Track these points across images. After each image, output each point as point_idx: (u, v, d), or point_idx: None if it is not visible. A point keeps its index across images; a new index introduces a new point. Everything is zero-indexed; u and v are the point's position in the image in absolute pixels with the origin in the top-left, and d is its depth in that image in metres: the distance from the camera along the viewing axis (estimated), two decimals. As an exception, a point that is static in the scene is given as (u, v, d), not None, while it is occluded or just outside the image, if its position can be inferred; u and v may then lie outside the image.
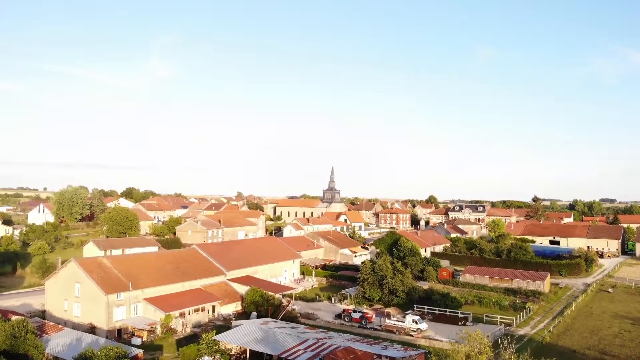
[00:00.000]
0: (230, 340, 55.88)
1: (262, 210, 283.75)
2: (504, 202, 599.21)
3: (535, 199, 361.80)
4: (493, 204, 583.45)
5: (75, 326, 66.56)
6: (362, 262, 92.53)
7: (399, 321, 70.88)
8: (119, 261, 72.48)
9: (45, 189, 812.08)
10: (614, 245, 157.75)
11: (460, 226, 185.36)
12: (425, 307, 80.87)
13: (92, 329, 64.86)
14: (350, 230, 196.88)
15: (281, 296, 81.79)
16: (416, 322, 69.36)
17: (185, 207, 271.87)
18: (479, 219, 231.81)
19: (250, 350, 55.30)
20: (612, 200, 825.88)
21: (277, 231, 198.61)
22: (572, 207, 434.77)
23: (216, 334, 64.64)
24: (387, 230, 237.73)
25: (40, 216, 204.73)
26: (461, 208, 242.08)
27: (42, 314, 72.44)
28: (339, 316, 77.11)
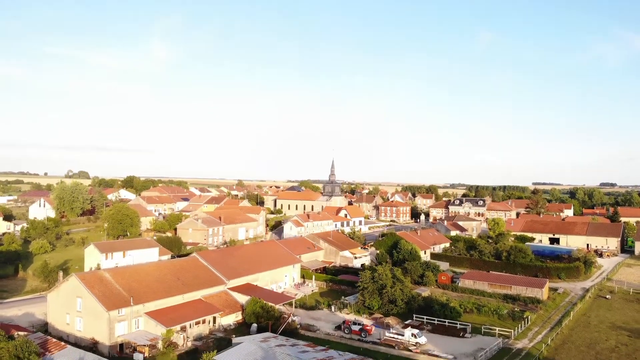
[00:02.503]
0: (231, 361, 56.38)
1: (263, 203, 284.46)
2: (504, 188, 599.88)
3: (536, 191, 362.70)
4: (494, 189, 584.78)
5: (78, 340, 67.28)
6: (361, 271, 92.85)
7: (398, 334, 71.47)
8: (120, 274, 72.86)
9: (45, 174, 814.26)
10: (614, 243, 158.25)
11: (461, 223, 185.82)
12: (425, 317, 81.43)
13: (94, 344, 65.53)
14: (350, 225, 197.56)
15: (281, 307, 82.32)
16: (415, 336, 69.93)
17: (185, 199, 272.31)
18: (479, 213, 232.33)
19: (251, 372, 55.75)
20: (613, 185, 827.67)
21: (278, 226, 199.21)
22: (572, 194, 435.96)
23: (217, 349, 65.51)
24: (388, 223, 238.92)
25: (41, 210, 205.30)
26: (461, 202, 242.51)
27: (45, 326, 73.07)
28: (338, 327, 77.69)
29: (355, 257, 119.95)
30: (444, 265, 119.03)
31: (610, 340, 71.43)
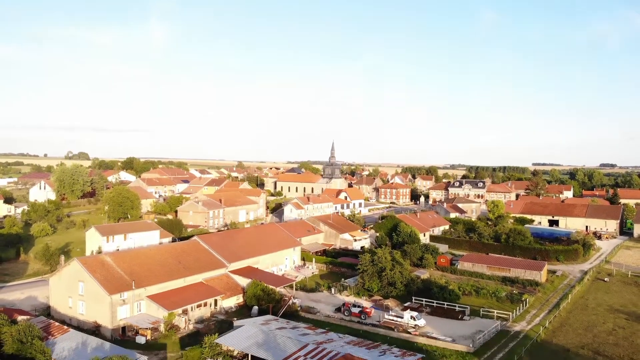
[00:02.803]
0: (232, 345, 57.09)
1: (263, 185, 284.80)
2: (504, 169, 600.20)
3: (535, 173, 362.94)
4: (494, 170, 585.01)
5: (80, 324, 67.99)
6: (361, 254, 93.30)
7: (397, 316, 72.18)
8: (121, 258, 73.28)
9: (45, 155, 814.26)
10: (613, 225, 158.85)
11: (460, 205, 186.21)
12: (424, 299, 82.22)
13: (97, 327, 66.22)
14: (350, 207, 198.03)
15: (282, 289, 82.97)
16: (414, 319, 70.68)
17: (186, 181, 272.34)
18: (478, 195, 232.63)
19: (252, 355, 56.42)
20: (613, 165, 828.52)
21: (278, 208, 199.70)
22: (572, 176, 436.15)
23: (218, 332, 66.22)
24: (387, 205, 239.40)
25: (41, 193, 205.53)
26: (461, 184, 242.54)
27: (47, 310, 73.73)
28: (338, 309, 78.50)
29: (355, 240, 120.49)
30: (443, 248, 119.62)
31: (607, 323, 72.17)
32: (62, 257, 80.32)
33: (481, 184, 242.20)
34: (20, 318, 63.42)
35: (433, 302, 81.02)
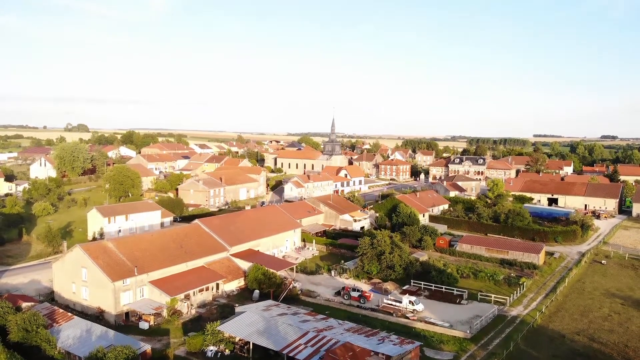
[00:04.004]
0: (234, 332, 58.10)
1: (263, 161, 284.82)
2: (505, 141, 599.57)
3: (536, 149, 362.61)
4: (494, 142, 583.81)
5: (84, 309, 69.09)
6: (361, 237, 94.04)
7: (396, 301, 73.30)
8: (123, 244, 73.90)
9: (45, 127, 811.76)
10: (612, 204, 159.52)
11: (460, 183, 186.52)
12: (422, 282, 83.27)
13: (100, 313, 67.29)
14: (350, 185, 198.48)
15: (283, 272, 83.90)
16: (413, 304, 71.75)
17: (186, 157, 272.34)
18: (478, 172, 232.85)
19: (254, 342, 57.46)
20: (614, 137, 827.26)
21: (278, 185, 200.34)
22: (573, 149, 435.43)
23: (220, 316, 67.53)
24: (388, 181, 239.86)
25: (42, 170, 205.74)
26: (461, 160, 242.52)
27: (51, 294, 74.74)
28: (338, 293, 79.65)
29: (355, 221, 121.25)
30: (441, 228, 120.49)
31: (603, 308, 73.28)
32: (65, 243, 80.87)
33: (481, 160, 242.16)
34: (24, 304, 64.41)
35: (431, 286, 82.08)
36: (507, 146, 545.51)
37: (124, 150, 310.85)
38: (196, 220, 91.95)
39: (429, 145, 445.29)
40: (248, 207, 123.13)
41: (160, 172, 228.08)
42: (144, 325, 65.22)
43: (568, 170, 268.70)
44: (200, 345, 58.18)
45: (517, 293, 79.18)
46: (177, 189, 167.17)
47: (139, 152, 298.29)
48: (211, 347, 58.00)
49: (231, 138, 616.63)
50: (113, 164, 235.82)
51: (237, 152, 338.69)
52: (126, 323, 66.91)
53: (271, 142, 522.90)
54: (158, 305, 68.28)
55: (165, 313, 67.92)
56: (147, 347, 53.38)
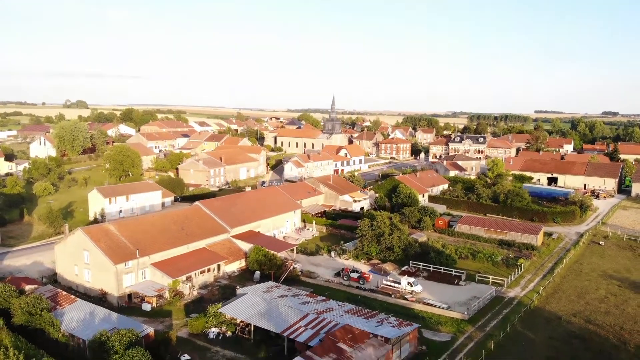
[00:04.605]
0: (235, 314, 58.93)
1: (263, 139, 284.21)
2: (506, 117, 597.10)
3: (537, 127, 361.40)
4: (495, 118, 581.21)
5: (87, 290, 69.96)
6: (360, 219, 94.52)
7: (394, 282, 74.09)
8: (125, 226, 74.42)
9: (43, 103, 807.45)
10: (611, 184, 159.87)
11: (460, 162, 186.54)
12: (421, 264, 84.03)
13: (103, 295, 68.16)
14: (350, 164, 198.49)
15: (283, 254, 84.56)
16: (411, 285, 72.56)
17: (186, 135, 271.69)
18: (479, 151, 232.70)
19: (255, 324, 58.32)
20: (615, 114, 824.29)
21: (278, 165, 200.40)
22: (574, 126, 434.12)
23: (222, 298, 68.46)
24: (388, 160, 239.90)
25: (42, 149, 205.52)
26: (462, 139, 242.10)
27: (54, 276, 75.53)
28: (338, 274, 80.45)
29: (355, 201, 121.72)
30: (441, 208, 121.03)
31: (600, 289, 74.10)
32: (67, 226, 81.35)
33: (482, 139, 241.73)
34: (28, 287, 65.14)
35: (430, 267, 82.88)
36: (508, 122, 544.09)
37: (124, 129, 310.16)
38: (197, 202, 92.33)
39: (429, 123, 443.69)
40: (248, 188, 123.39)
41: (160, 150, 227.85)
42: (146, 307, 66.13)
43: (568, 148, 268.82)
44: (202, 327, 59.14)
45: (515, 274, 79.99)
46: (177, 169, 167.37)
47: (139, 130, 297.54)
48: (213, 329, 58.99)
49: (230, 115, 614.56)
50: (113, 142, 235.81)
51: (237, 130, 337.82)
52: (129, 305, 67.81)
53: (271, 118, 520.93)
54: (160, 287, 69.09)
55: (167, 295, 68.77)
56: (149, 330, 54.19)
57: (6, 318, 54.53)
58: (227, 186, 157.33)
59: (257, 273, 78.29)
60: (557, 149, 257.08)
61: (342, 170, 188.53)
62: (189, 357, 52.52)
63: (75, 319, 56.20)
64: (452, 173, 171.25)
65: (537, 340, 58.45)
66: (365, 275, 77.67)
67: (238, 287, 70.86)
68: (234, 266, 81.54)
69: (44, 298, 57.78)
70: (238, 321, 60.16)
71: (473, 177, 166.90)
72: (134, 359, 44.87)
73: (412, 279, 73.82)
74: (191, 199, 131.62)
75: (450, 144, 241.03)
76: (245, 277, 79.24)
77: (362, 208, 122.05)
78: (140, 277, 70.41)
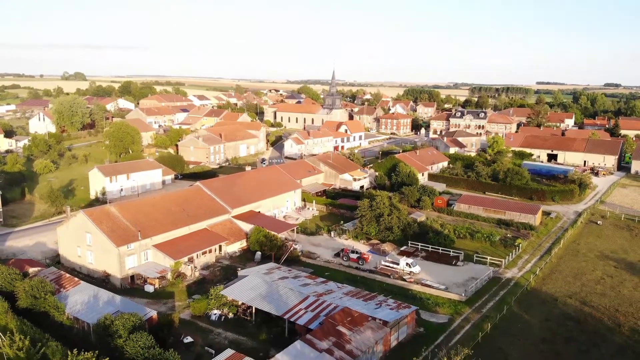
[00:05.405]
0: (237, 296, 59.89)
1: (263, 114, 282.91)
2: (507, 89, 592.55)
3: (538, 100, 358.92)
4: (497, 90, 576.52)
5: (90, 272, 70.95)
6: (360, 200, 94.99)
7: (393, 262, 74.95)
8: (126, 208, 74.93)
9: (41, 76, 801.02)
10: (611, 161, 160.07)
11: (460, 139, 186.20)
12: (419, 244, 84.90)
13: (106, 277, 69.14)
14: (350, 140, 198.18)
15: (284, 235, 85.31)
16: (409, 266, 73.47)
17: (185, 110, 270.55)
18: (479, 126, 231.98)
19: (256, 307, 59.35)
20: (617, 85, 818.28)
21: (278, 141, 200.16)
22: (575, 99, 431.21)
23: (223, 278, 69.59)
24: (388, 135, 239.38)
25: (41, 125, 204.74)
26: (462, 114, 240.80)
27: (57, 257, 76.39)
28: (337, 254, 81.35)
29: (355, 180, 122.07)
30: (440, 187, 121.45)
31: (596, 271, 75.05)
32: (68, 209, 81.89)
33: (482, 114, 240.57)
34: (31, 270, 66.01)
35: (428, 247, 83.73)
36: (510, 95, 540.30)
37: (122, 103, 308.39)
38: (197, 183, 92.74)
39: (430, 96, 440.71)
40: (248, 168, 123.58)
41: (160, 126, 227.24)
42: (149, 289, 67.17)
43: (569, 122, 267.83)
44: (204, 309, 60.21)
45: (512, 254, 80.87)
46: (177, 145, 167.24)
47: (137, 104, 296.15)
48: (215, 311, 60.10)
49: (229, 87, 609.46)
50: (112, 117, 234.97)
51: (236, 105, 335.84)
52: (132, 286, 68.87)
53: (270, 91, 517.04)
54: (162, 268, 70.04)
55: (169, 276, 69.77)
56: (152, 313, 55.18)
57: (11, 301, 55.39)
58: (227, 163, 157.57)
59: (258, 254, 79.18)
60: (558, 124, 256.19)
61: (342, 147, 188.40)
62: (192, 339, 53.73)
63: (80, 302, 57.14)
64: (453, 150, 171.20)
65: (532, 322, 59.57)
66: (365, 256, 78.59)
67: (239, 268, 71.87)
68: (235, 247, 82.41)
69: (48, 281, 58.61)
70: (239, 303, 61.23)
71: (473, 154, 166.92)
72: (137, 344, 45.83)
73: (410, 260, 74.74)
74: (191, 176, 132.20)
75: (451, 119, 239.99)
76: (246, 257, 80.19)
77: (362, 187, 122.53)
78: (143, 258, 71.27)
